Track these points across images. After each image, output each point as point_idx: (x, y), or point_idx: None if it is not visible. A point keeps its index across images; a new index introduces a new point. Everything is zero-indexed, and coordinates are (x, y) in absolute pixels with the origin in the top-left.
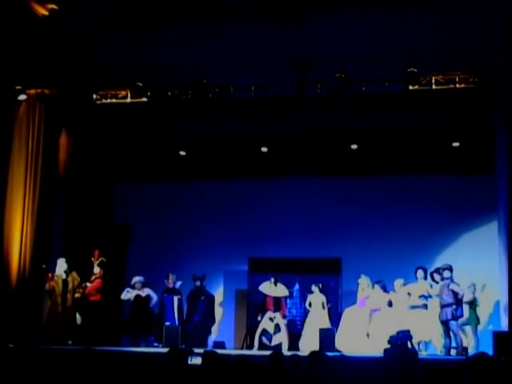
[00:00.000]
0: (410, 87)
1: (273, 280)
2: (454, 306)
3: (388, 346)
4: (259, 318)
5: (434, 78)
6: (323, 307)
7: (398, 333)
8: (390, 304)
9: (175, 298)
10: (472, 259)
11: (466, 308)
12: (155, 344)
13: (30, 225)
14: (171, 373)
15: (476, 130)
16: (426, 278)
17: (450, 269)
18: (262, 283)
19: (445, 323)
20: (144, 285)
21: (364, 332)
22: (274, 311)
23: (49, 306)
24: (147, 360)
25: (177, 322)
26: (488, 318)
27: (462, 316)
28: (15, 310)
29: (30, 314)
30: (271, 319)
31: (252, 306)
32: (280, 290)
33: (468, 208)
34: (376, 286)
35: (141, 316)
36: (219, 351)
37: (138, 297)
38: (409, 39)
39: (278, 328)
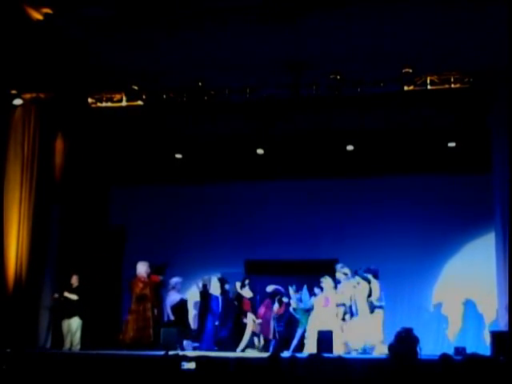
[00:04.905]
0: (405, 88)
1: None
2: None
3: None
4: (244, 320)
5: (429, 79)
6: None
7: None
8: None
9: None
10: (469, 258)
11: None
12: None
13: (26, 228)
14: (164, 378)
15: (472, 129)
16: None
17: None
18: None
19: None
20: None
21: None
22: (252, 313)
23: (134, 309)
24: (146, 364)
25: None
26: (486, 317)
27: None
28: (12, 315)
29: (27, 318)
30: (254, 321)
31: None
32: (246, 293)
33: (464, 208)
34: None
35: (185, 318)
36: (219, 354)
37: (182, 300)
38: (403, 40)
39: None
